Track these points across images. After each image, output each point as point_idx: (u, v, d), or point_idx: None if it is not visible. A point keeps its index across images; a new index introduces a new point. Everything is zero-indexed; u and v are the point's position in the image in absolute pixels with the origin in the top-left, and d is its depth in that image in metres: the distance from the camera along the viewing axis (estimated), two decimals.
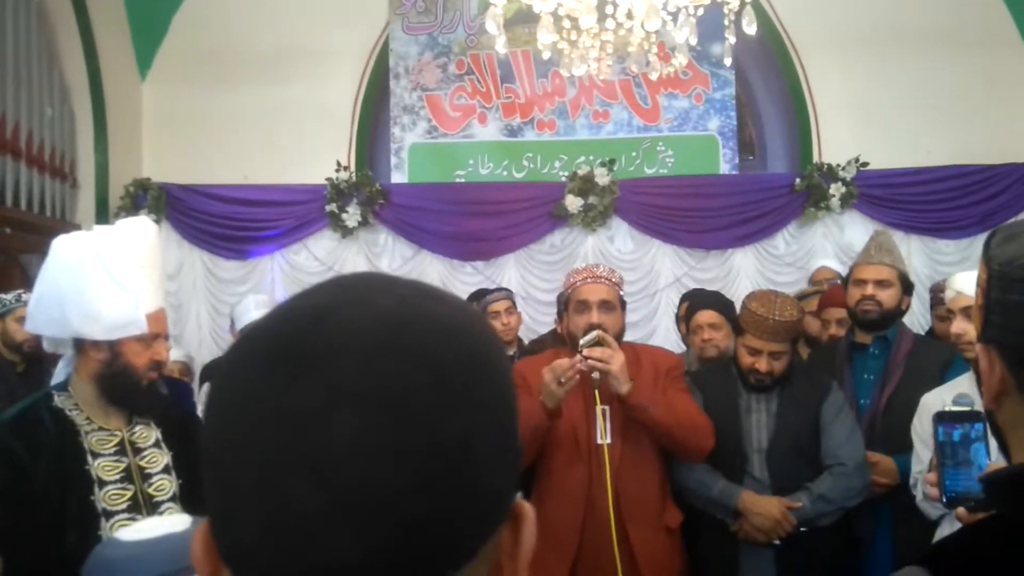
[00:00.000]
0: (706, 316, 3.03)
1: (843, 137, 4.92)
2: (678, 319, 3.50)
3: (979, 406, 1.86)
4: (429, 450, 0.38)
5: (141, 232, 1.74)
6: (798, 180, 4.86)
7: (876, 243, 2.66)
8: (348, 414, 0.38)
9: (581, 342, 2.16)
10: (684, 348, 3.44)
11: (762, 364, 2.33)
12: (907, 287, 2.59)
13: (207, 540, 0.43)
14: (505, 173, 5.06)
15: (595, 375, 2.14)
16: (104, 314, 1.62)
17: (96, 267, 1.63)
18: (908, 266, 3.00)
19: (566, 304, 2.33)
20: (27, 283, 3.69)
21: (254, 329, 0.44)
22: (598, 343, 2.14)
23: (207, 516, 0.43)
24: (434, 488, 0.38)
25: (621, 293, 2.34)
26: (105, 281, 1.63)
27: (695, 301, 3.24)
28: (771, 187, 4.92)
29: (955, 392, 2.01)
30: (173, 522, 1.12)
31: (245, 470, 0.39)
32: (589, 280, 2.28)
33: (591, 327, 2.19)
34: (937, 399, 2.02)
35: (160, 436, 1.78)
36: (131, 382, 1.69)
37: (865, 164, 4.83)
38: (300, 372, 0.39)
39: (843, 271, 3.80)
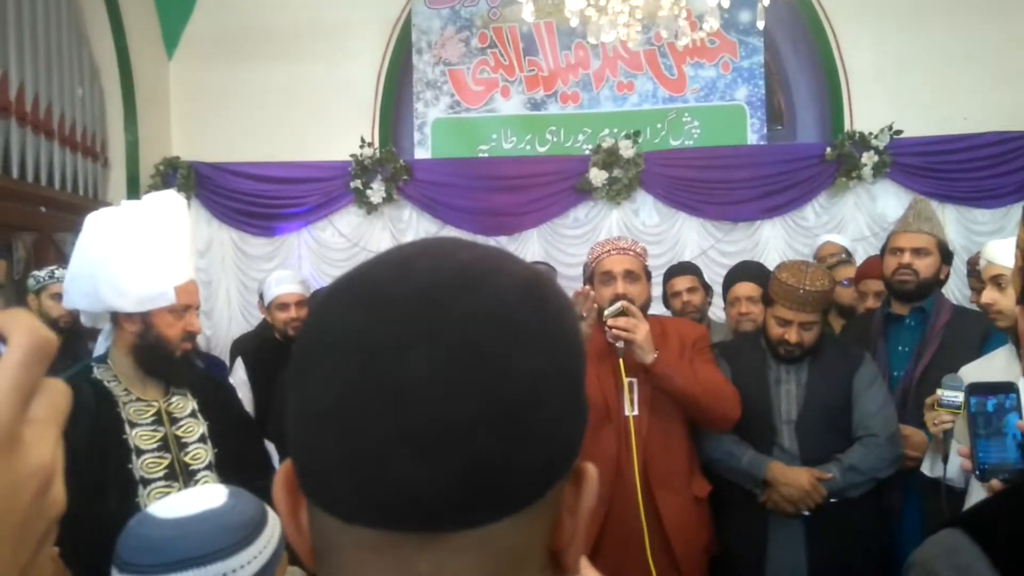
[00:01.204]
0: (745, 288, 2.93)
1: (876, 104, 4.79)
2: (665, 297, 3.30)
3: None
4: (498, 388, 0.40)
5: (169, 206, 1.76)
6: (829, 149, 4.75)
7: (915, 211, 2.59)
8: (424, 350, 0.40)
9: (605, 312, 2.17)
10: None
11: (792, 335, 2.30)
12: (946, 256, 2.52)
13: (288, 478, 0.46)
14: (528, 147, 5.03)
15: (619, 345, 2.14)
16: (134, 287, 1.66)
17: (125, 241, 1.66)
18: None
19: (591, 277, 2.33)
20: (61, 260, 3.78)
21: (346, 275, 0.47)
22: (622, 313, 2.15)
23: (289, 452, 0.45)
24: (501, 424, 0.40)
25: (646, 264, 2.33)
26: (134, 255, 1.66)
27: (731, 273, 3.13)
28: (801, 157, 4.81)
29: (991, 365, 1.96)
30: (210, 497, 1.10)
31: (327, 396, 0.41)
32: (613, 252, 2.28)
33: (616, 298, 2.19)
34: (973, 372, 1.97)
35: (196, 406, 1.82)
36: (165, 353, 1.73)
37: (899, 132, 4.70)
38: (382, 311, 0.41)
39: (874, 242, 3.72)
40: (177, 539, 1.02)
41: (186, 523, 1.05)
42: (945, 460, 1.93)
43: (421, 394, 0.39)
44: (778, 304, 2.32)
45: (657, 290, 4.56)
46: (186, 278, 1.74)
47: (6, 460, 0.34)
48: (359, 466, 0.40)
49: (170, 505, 1.09)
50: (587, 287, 2.28)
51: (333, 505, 0.42)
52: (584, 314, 2.12)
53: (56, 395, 0.37)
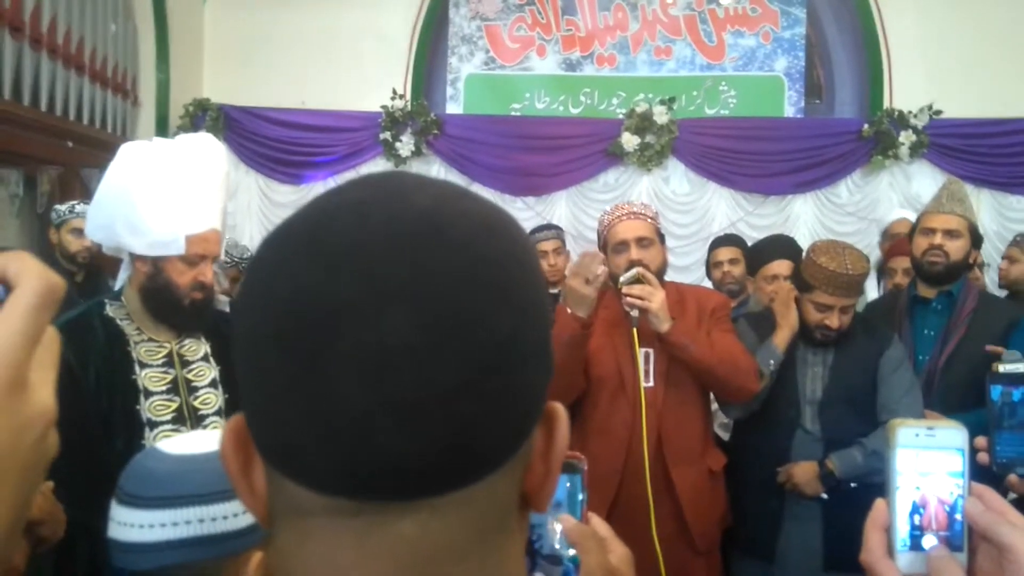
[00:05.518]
0: (782, 267, 2.80)
1: (916, 83, 4.71)
2: (708, 265, 3.28)
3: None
4: (479, 348, 0.37)
5: (203, 150, 1.68)
6: (866, 126, 4.69)
7: (948, 191, 2.54)
8: (400, 311, 0.36)
9: (621, 280, 2.10)
10: None
11: (834, 320, 2.23)
12: (976, 240, 2.47)
13: (239, 434, 0.42)
14: (561, 108, 4.98)
15: (634, 313, 2.08)
16: (148, 230, 1.60)
17: (149, 181, 1.60)
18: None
19: (604, 246, 2.27)
20: (86, 196, 3.75)
21: (289, 224, 0.41)
22: (637, 280, 2.08)
23: (242, 411, 0.42)
24: (483, 386, 0.38)
25: (659, 227, 2.26)
26: (154, 196, 1.60)
27: (766, 248, 3.00)
28: (837, 132, 4.75)
29: None
30: (219, 438, 1.09)
31: (289, 366, 0.37)
32: (624, 217, 2.20)
33: (631, 264, 2.12)
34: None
35: (209, 350, 1.75)
36: (172, 299, 1.66)
37: (938, 112, 4.63)
38: (347, 266, 0.37)
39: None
40: (182, 474, 0.99)
41: (193, 460, 1.01)
42: None
43: (401, 360, 0.36)
44: (818, 290, 2.23)
45: (688, 259, 4.58)
46: (207, 227, 1.66)
47: (16, 402, 0.34)
48: (338, 441, 0.37)
49: (180, 442, 1.07)
50: (596, 250, 2.20)
51: (306, 477, 0.39)
52: (589, 278, 2.04)
53: (51, 341, 0.37)
